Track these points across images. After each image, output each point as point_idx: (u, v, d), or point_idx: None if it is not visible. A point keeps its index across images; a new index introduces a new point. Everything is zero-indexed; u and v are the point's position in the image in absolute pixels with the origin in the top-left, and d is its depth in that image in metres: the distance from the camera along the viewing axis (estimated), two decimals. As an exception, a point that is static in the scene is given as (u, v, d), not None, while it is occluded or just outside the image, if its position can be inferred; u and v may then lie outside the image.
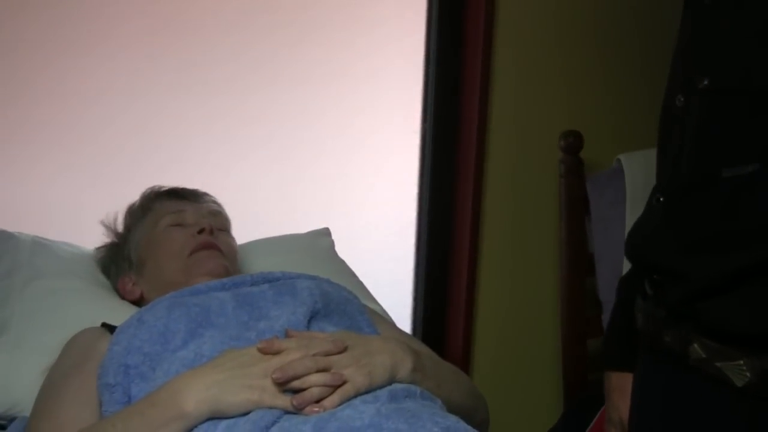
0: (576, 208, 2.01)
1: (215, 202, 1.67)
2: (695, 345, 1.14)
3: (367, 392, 1.20)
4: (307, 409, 1.15)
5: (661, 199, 1.20)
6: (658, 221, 1.21)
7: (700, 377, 1.14)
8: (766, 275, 1.07)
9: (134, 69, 1.91)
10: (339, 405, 1.16)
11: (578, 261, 2.02)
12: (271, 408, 1.15)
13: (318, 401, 1.16)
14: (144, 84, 1.92)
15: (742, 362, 1.09)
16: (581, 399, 1.99)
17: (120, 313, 1.46)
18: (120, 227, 1.66)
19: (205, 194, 1.67)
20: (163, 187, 1.68)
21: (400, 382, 1.25)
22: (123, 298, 1.60)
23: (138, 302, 1.56)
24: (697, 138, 1.15)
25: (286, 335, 1.27)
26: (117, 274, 1.61)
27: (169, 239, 1.54)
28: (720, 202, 1.11)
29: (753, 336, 1.09)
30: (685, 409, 1.20)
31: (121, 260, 1.61)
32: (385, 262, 2.10)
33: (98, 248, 1.68)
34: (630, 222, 1.89)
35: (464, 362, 2.09)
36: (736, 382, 1.10)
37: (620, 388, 1.41)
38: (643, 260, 1.25)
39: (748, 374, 1.09)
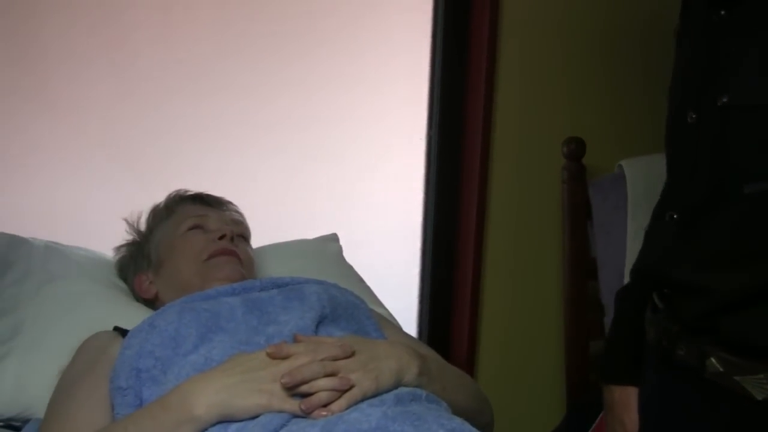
0: (578, 213, 1.99)
1: (238, 212, 1.67)
2: (712, 359, 1.12)
3: (374, 396, 1.19)
4: (315, 412, 1.14)
5: (675, 216, 1.18)
6: (671, 237, 1.19)
7: (716, 391, 1.12)
8: None
9: (149, 76, 1.91)
10: (346, 409, 1.15)
11: (580, 265, 2.01)
12: (279, 412, 1.14)
13: (326, 405, 1.15)
14: (157, 91, 1.92)
15: (762, 376, 1.07)
16: (584, 400, 1.98)
17: (132, 316, 1.46)
18: (143, 226, 1.65)
19: (229, 203, 1.67)
20: (189, 191, 1.67)
21: (407, 385, 1.24)
22: (138, 296, 1.59)
23: (152, 301, 1.56)
24: (715, 154, 1.12)
25: (295, 340, 1.26)
26: (135, 271, 1.60)
27: (190, 242, 1.54)
28: (741, 218, 1.09)
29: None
30: (701, 422, 1.18)
31: (140, 258, 1.60)
32: (391, 267, 2.09)
33: (118, 246, 1.67)
34: (631, 227, 1.89)
35: (469, 365, 2.08)
36: (756, 396, 1.08)
37: (623, 402, 1.39)
38: (655, 275, 1.23)
39: None
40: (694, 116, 1.15)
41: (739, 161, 1.09)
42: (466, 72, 2.00)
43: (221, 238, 1.53)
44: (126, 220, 1.65)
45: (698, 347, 1.14)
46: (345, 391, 1.17)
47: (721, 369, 1.11)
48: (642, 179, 1.89)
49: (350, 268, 1.85)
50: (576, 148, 1.96)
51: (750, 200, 1.07)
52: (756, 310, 1.07)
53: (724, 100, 1.10)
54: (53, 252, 1.67)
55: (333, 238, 1.92)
